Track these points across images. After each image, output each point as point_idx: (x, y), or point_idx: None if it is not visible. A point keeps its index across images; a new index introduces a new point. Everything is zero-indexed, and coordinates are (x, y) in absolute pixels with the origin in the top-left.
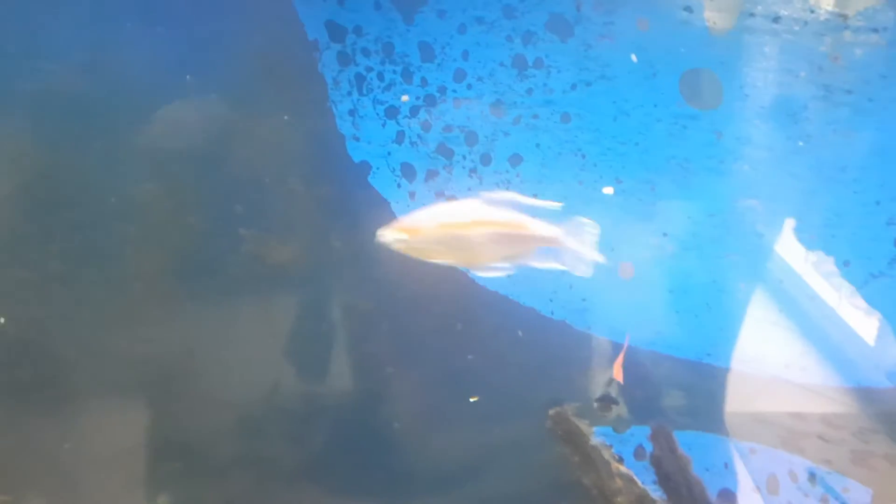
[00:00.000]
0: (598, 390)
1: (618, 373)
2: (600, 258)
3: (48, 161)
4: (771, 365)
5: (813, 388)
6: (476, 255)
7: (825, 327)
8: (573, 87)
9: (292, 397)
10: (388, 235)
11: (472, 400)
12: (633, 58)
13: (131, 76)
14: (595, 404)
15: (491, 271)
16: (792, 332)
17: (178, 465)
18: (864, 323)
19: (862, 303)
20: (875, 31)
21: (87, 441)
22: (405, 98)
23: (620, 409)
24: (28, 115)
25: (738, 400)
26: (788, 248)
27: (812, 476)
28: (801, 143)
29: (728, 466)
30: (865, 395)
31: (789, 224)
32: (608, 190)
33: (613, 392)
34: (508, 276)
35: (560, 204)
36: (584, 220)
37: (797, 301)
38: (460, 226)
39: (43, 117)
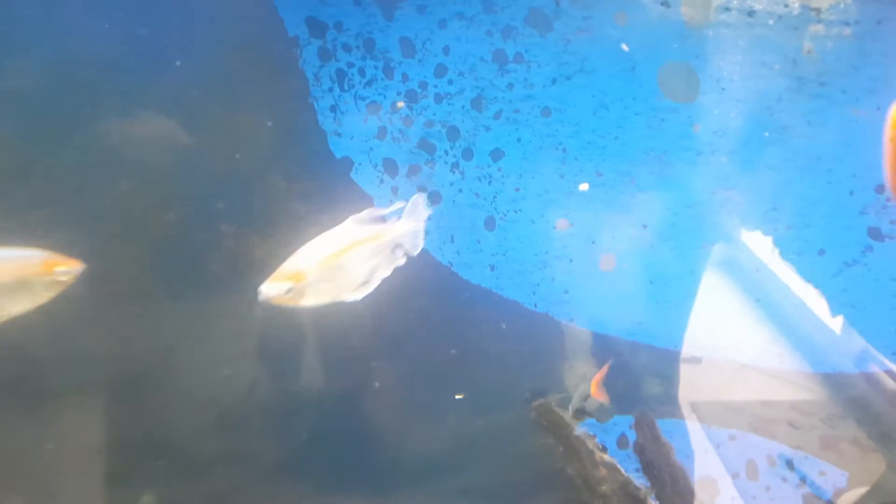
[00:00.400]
0: (574, 405)
1: (596, 391)
2: (426, 214)
3: (27, 158)
4: (747, 353)
5: (786, 375)
6: (350, 280)
7: (799, 316)
8: (553, 81)
9: (275, 393)
10: (274, 288)
11: (457, 397)
12: (625, 47)
13: (112, 74)
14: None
15: (362, 292)
16: (767, 320)
17: (163, 462)
18: (835, 311)
19: (833, 291)
20: (847, 24)
21: (69, 440)
22: (400, 104)
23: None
24: (7, 112)
25: (716, 388)
26: (764, 237)
27: (789, 461)
28: (766, 134)
29: (708, 453)
30: (834, 381)
31: (765, 214)
32: (583, 186)
33: (589, 407)
34: (492, 269)
35: (403, 203)
36: (417, 198)
37: (772, 290)
38: (337, 255)
39: (25, 114)
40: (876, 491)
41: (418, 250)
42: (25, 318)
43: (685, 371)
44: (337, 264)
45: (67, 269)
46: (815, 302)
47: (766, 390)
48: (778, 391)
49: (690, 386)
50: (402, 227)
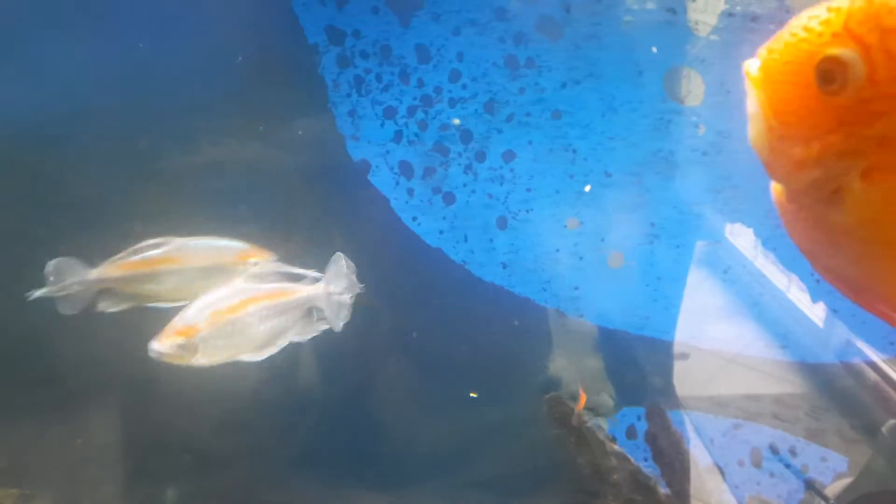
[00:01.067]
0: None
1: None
2: (357, 289)
3: (50, 162)
4: (753, 346)
5: (773, 368)
6: (248, 338)
7: (797, 308)
8: (563, 85)
9: (293, 389)
10: (165, 345)
11: (472, 395)
12: (654, 49)
13: (134, 80)
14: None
15: (264, 352)
16: (772, 314)
17: (185, 458)
18: (832, 303)
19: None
20: None
21: (93, 438)
22: (456, 122)
23: (609, 391)
24: (30, 116)
25: (711, 379)
26: (767, 233)
27: (792, 448)
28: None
29: (714, 441)
30: (820, 373)
31: (768, 212)
32: (587, 188)
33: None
34: (504, 267)
35: (321, 275)
36: (342, 262)
37: (775, 285)
38: (232, 309)
39: (45, 118)
40: (861, 481)
41: (341, 322)
42: (48, 319)
43: (692, 363)
44: (232, 319)
45: (259, 260)
46: (813, 294)
47: (753, 383)
48: (764, 384)
49: (697, 378)
50: (314, 290)
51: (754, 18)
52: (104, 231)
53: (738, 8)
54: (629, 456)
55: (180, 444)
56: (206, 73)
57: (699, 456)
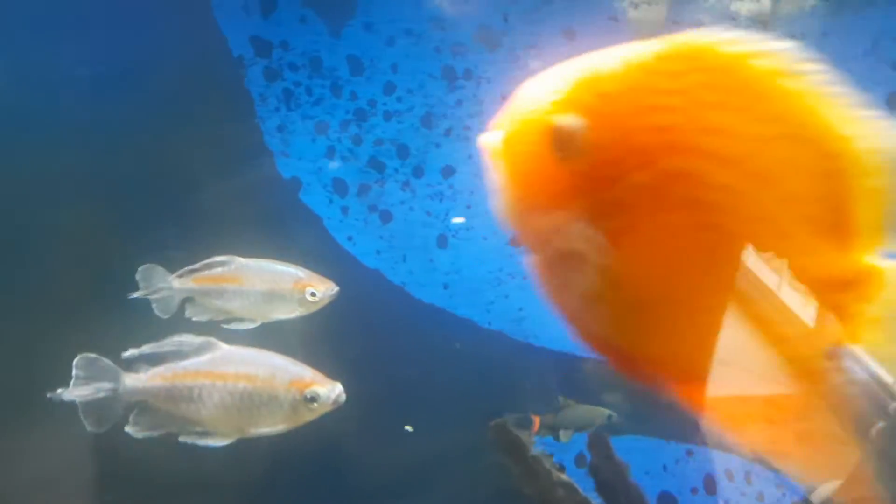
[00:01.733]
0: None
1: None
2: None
3: None
4: (743, 348)
5: (777, 369)
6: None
7: (777, 310)
8: (503, 97)
9: None
10: None
11: (407, 429)
12: None
13: (52, 97)
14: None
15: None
16: (762, 315)
17: (127, 491)
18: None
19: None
20: (793, 37)
21: (36, 471)
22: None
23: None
24: None
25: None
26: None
27: (748, 474)
28: None
29: (667, 469)
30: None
31: None
32: (458, 220)
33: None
34: (445, 288)
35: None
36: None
37: (764, 286)
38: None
39: None
40: (851, 483)
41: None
42: None
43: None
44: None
45: (314, 290)
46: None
47: (744, 386)
48: (755, 386)
49: (651, 401)
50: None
51: (700, 26)
52: (23, 254)
53: (685, 15)
54: (577, 486)
55: (123, 476)
56: (125, 89)
57: (649, 485)
